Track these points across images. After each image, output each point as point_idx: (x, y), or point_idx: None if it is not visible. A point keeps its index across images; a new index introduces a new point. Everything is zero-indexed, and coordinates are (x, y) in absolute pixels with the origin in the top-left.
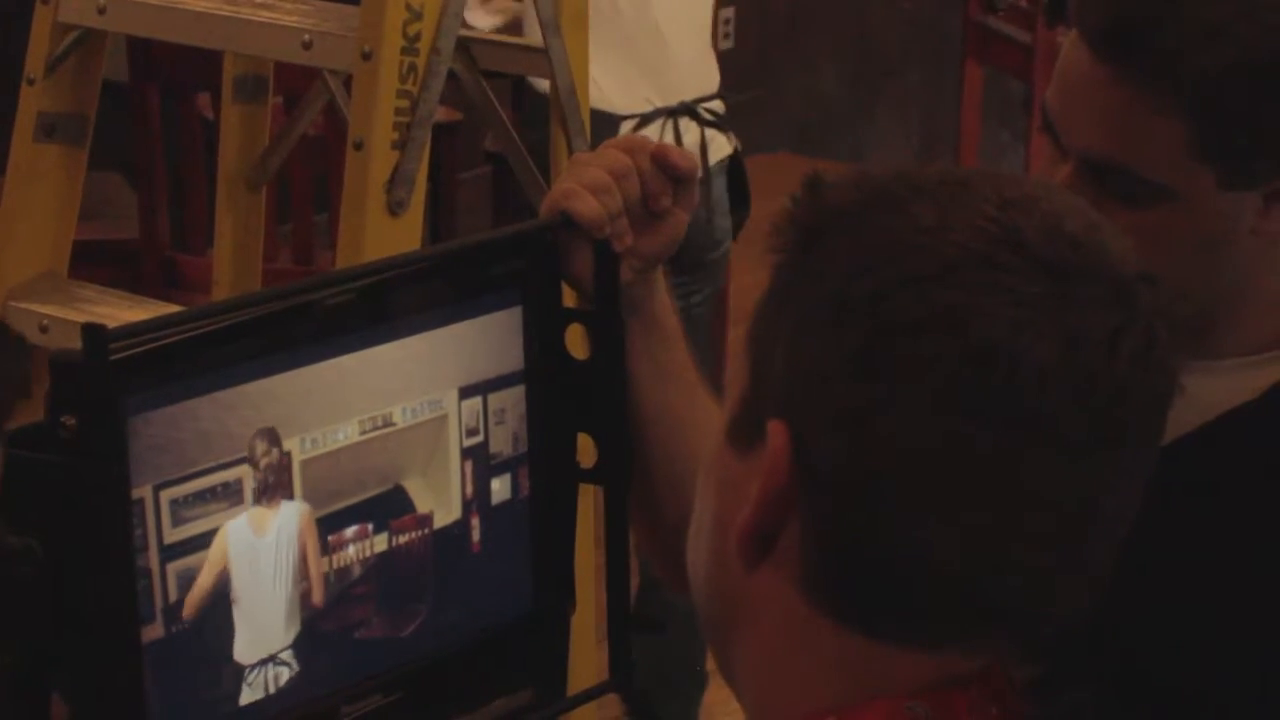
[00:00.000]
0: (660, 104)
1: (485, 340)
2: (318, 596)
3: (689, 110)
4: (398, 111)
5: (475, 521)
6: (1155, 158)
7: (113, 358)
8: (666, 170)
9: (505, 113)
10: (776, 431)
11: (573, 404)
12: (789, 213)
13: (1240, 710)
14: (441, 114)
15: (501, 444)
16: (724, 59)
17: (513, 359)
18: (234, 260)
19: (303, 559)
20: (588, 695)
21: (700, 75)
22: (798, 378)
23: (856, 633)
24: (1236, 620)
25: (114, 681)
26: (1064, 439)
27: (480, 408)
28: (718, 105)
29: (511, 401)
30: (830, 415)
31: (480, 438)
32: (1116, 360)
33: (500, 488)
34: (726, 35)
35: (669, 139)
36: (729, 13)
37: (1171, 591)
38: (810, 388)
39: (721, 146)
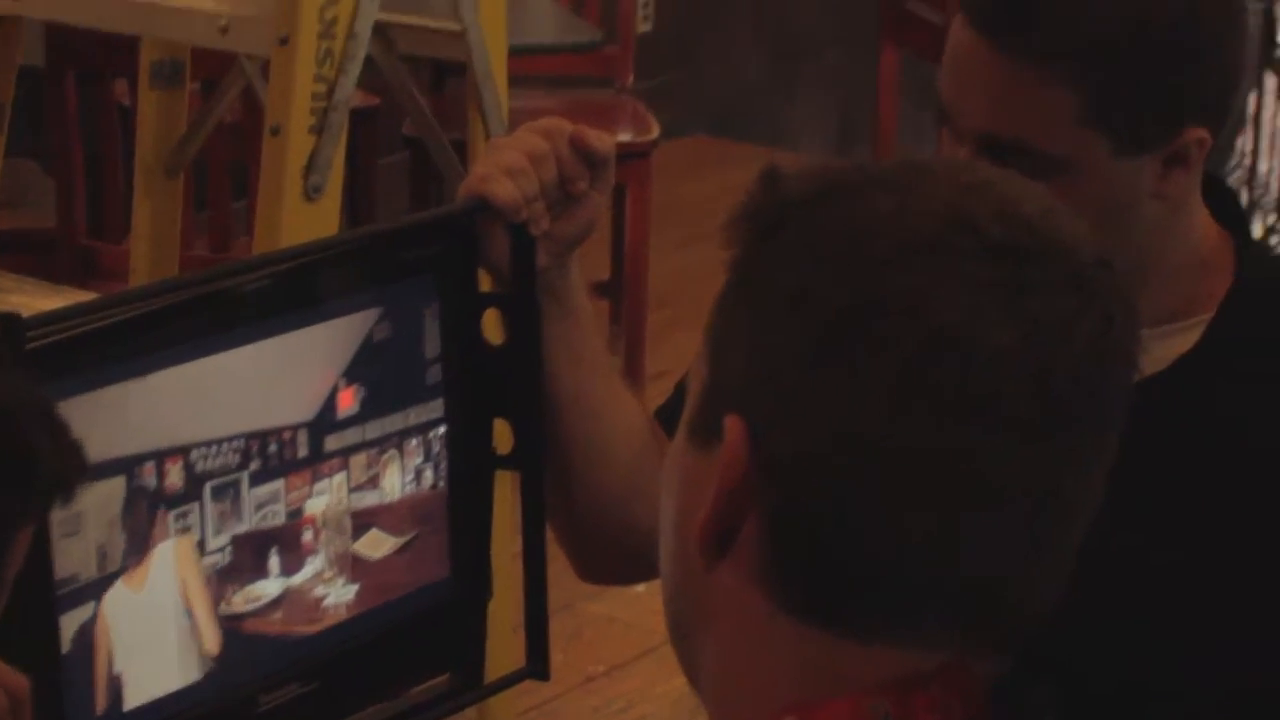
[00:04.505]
0: None
1: (394, 329)
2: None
3: None
4: (315, 96)
5: None
6: (1048, 130)
7: (29, 346)
8: (584, 154)
9: (423, 97)
10: (733, 426)
11: (488, 389)
12: (745, 206)
13: (1196, 690)
14: (359, 98)
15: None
16: (642, 42)
17: (429, 348)
18: (151, 248)
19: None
20: (505, 682)
21: None
22: (754, 369)
23: (817, 629)
24: (1160, 605)
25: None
26: (1021, 425)
27: None
28: None
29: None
30: (786, 406)
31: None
32: (1073, 345)
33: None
34: (646, 18)
35: None
36: None
37: (1089, 566)
38: (766, 378)
39: None
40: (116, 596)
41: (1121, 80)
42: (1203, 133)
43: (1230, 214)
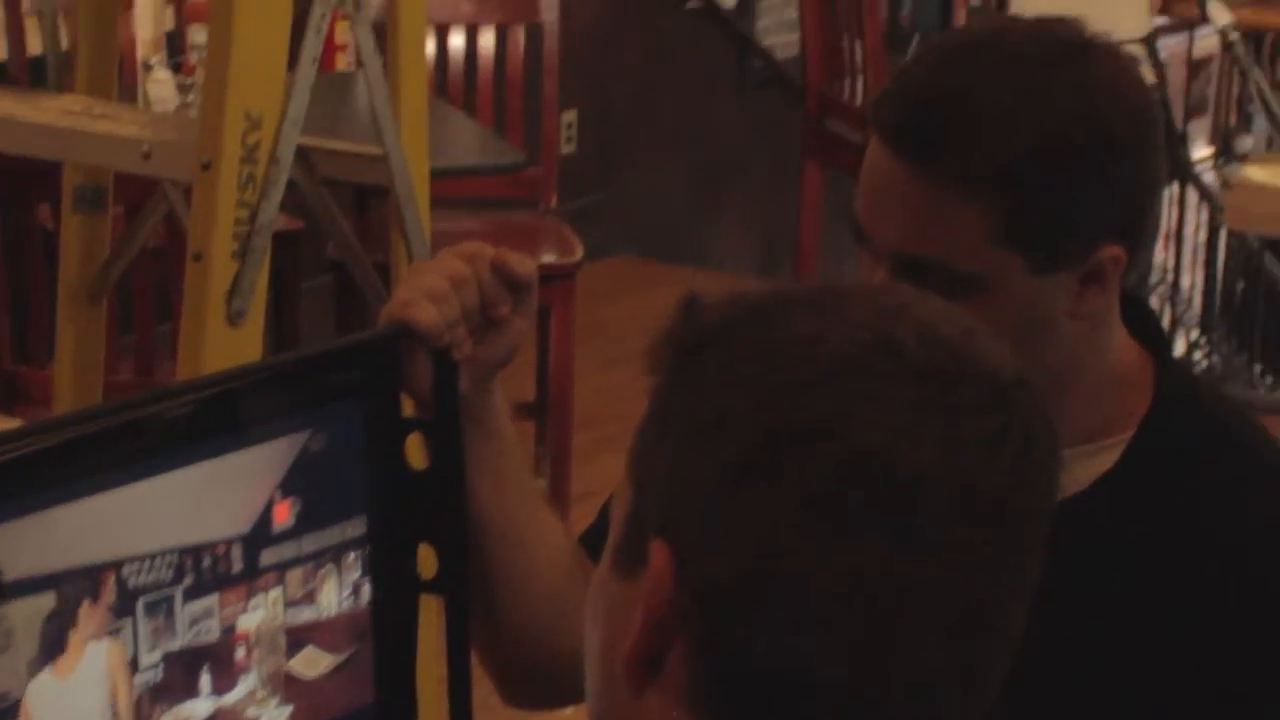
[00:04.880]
0: None
1: (327, 446)
2: None
3: None
4: (237, 221)
5: None
6: (964, 249)
7: None
8: (506, 278)
9: (346, 220)
10: (659, 552)
11: (412, 514)
12: (665, 334)
13: None
14: (282, 222)
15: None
16: (566, 163)
17: (353, 472)
18: (75, 373)
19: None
20: None
21: None
22: (677, 495)
23: None
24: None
25: None
26: (945, 546)
27: None
28: None
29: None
30: (710, 529)
31: None
32: (996, 464)
33: None
34: (569, 139)
35: None
36: (571, 116)
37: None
38: (690, 503)
39: None
40: (41, 684)
41: (1035, 200)
42: (1118, 250)
43: (1149, 332)
